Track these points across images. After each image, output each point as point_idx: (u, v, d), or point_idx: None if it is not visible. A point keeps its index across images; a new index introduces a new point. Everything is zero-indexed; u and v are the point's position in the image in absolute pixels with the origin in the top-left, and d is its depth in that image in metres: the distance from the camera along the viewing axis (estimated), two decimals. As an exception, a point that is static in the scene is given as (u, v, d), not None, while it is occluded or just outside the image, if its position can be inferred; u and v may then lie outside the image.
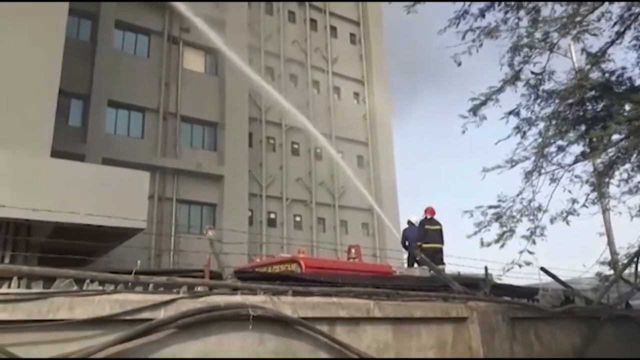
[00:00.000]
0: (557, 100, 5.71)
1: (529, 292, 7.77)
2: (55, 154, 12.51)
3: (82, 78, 18.38)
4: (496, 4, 5.93)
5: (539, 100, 5.88)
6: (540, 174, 5.68)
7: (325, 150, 24.29)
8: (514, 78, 5.49)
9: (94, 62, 19.14)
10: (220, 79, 22.46)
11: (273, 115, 24.11)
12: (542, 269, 7.81)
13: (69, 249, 6.05)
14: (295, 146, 24.79)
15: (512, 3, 5.72)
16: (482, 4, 6.16)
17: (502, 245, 5.48)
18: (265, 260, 11.32)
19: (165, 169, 20.02)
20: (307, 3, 26.79)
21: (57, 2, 13.06)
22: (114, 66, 19.48)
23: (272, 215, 22.93)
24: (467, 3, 5.63)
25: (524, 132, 5.81)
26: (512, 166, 5.49)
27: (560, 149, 5.71)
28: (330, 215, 24.74)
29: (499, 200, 5.70)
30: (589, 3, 5.15)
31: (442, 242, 11.76)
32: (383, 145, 27.13)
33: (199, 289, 4.41)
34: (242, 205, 21.05)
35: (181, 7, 18.79)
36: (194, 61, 22.37)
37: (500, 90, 5.51)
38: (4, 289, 3.56)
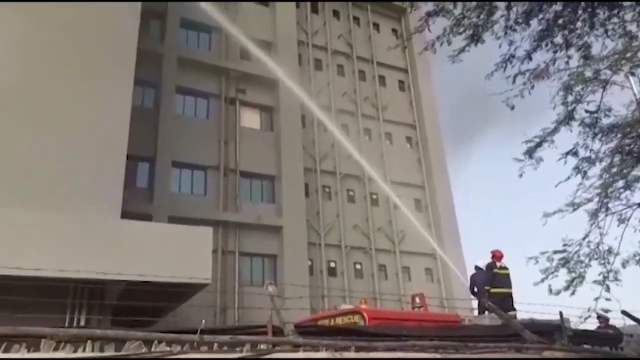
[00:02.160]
0: (618, 135, 5.49)
1: (611, 339, 7.19)
2: (125, 214, 13.29)
3: (148, 142, 19.59)
4: (543, 43, 5.90)
5: (599, 136, 5.67)
6: (607, 215, 5.38)
7: (391, 199, 24.27)
8: (568, 118, 5.35)
9: (157, 126, 20.41)
10: (276, 133, 23.24)
11: (327, 165, 24.48)
12: (624, 312, 7.23)
13: (138, 309, 6.30)
14: (351, 193, 24.87)
15: (561, 42, 5.67)
16: (527, 45, 6.14)
17: (573, 293, 5.16)
18: (328, 312, 11.20)
19: (227, 223, 20.62)
20: (355, 56, 27.57)
21: (124, 76, 14.23)
22: (176, 129, 20.69)
23: (332, 264, 22.81)
24: (513, 48, 5.64)
25: (585, 172, 5.57)
26: (575, 209, 5.25)
27: (627, 186, 5.41)
28: (391, 261, 24.29)
29: (564, 245, 5.41)
30: None
31: (512, 286, 11.23)
32: (440, 188, 26.67)
33: (262, 346, 4.44)
34: (302, 255, 21.16)
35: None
36: (250, 119, 23.37)
37: (555, 131, 5.37)
38: (80, 353, 3.75)
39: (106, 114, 13.57)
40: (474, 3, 5.53)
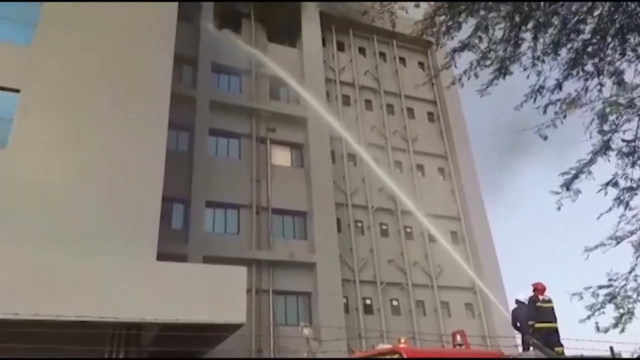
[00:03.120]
0: (660, 163, 5.27)
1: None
2: (161, 256, 13.50)
3: (182, 184, 20.01)
4: (574, 72, 5.81)
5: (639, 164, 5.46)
6: (653, 247, 5.11)
7: (430, 232, 23.95)
8: (604, 148, 5.20)
9: (192, 168, 20.88)
10: (306, 170, 23.43)
11: (359, 199, 24.37)
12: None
13: (174, 354, 6.30)
14: (384, 227, 24.58)
15: (592, 70, 5.57)
16: (557, 74, 6.07)
17: (622, 330, 4.87)
18: (365, 353, 10.92)
19: (261, 261, 20.63)
20: (382, 91, 27.83)
21: (159, 122, 14.75)
22: (209, 170, 21.11)
23: (368, 301, 22.38)
24: (541, 79, 5.58)
25: (627, 203, 5.35)
26: (618, 243, 5.01)
27: (674, 216, 5.15)
28: (429, 297, 23.64)
29: (610, 279, 5.15)
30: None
31: (557, 320, 10.75)
32: (476, 219, 26.02)
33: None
34: (337, 293, 20.86)
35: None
36: (281, 157, 23.69)
37: (591, 162, 5.21)
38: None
39: (142, 160, 14.03)
40: (499, 36, 5.55)
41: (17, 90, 13.81)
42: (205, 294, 11.61)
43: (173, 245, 17.66)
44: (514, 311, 11.82)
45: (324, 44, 27.08)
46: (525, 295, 11.48)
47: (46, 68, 14.23)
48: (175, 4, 17.36)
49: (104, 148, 13.78)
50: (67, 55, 14.59)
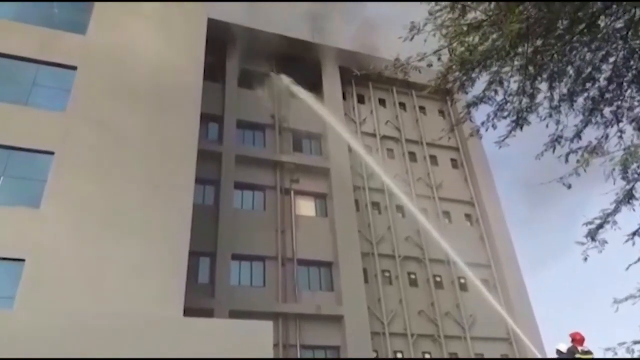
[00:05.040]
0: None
1: None
2: (187, 311, 13.50)
3: (208, 237, 20.22)
4: (592, 118, 5.82)
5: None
6: (690, 299, 4.89)
7: (470, 279, 23.44)
8: (628, 197, 5.11)
9: (217, 221, 21.13)
10: (330, 219, 23.43)
11: (385, 248, 24.08)
12: None
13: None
14: (412, 277, 24.08)
15: (611, 117, 5.57)
16: (576, 120, 6.07)
17: (664, 388, 4.60)
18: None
19: (287, 314, 20.35)
20: (404, 139, 28.04)
21: (185, 182, 15.13)
22: (235, 222, 21.33)
23: (399, 355, 21.65)
24: (560, 128, 5.59)
25: (657, 253, 5.18)
26: (649, 295, 4.83)
27: None
28: (463, 349, 22.73)
29: (643, 334, 4.92)
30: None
31: (598, 372, 10.18)
32: (508, 266, 25.30)
33: None
34: (366, 347, 20.26)
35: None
36: (305, 207, 23.82)
37: (615, 211, 5.11)
38: None
39: (170, 219, 14.35)
40: (514, 88, 5.64)
41: (52, 153, 14.45)
42: (232, 351, 11.47)
43: (199, 300, 17.66)
44: (554, 362, 11.27)
45: (344, 98, 27.74)
46: (566, 345, 10.98)
47: (79, 132, 14.92)
48: (201, 67, 18.16)
49: (132, 208, 14.15)
50: (99, 119, 15.31)
